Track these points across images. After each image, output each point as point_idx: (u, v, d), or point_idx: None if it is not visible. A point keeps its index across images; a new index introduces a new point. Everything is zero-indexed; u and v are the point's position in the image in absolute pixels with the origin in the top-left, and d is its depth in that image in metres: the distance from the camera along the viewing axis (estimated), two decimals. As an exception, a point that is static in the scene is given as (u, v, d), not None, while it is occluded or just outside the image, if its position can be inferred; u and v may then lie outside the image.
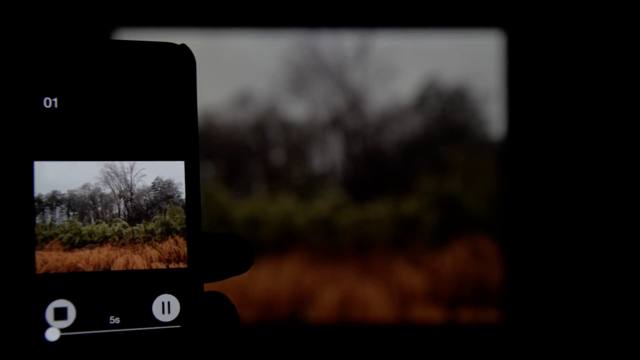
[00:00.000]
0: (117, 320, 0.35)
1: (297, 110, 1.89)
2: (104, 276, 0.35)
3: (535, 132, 1.70)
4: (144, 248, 0.35)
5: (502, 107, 1.75)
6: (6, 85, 0.34)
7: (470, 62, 1.82)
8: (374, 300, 1.81)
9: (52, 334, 0.34)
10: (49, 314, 0.34)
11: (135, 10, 1.72)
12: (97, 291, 0.35)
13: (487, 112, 1.85)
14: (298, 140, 1.93)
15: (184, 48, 0.38)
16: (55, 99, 0.35)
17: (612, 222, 1.67)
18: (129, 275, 0.35)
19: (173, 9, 1.73)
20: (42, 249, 0.34)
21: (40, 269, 0.34)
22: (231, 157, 1.91)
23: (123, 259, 0.35)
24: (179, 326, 0.36)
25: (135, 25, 1.74)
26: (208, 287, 0.38)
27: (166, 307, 0.36)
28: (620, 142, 1.68)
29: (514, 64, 1.73)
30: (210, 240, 0.37)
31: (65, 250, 0.34)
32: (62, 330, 0.34)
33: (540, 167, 1.70)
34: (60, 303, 0.34)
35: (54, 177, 0.34)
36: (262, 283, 1.82)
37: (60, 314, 0.34)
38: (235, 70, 1.83)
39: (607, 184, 1.67)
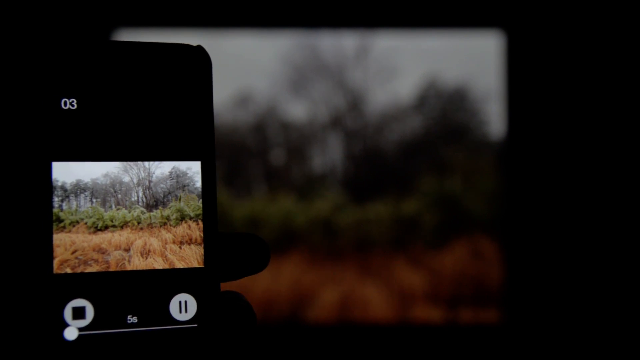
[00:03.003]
0: (134, 320, 0.35)
1: (297, 110, 1.89)
2: (122, 276, 0.35)
3: (535, 132, 1.71)
4: (160, 232, 0.37)
5: (502, 107, 1.75)
6: (24, 87, 0.34)
7: (470, 62, 1.82)
8: (374, 300, 1.81)
9: (71, 333, 0.34)
10: (68, 313, 0.34)
11: (135, 10, 1.72)
12: (114, 290, 0.35)
13: (487, 112, 1.86)
14: (298, 140, 1.93)
15: (200, 49, 0.38)
16: (73, 100, 0.35)
17: (612, 222, 1.67)
18: (147, 274, 0.36)
19: (173, 9, 1.73)
20: (69, 231, 0.35)
21: (68, 249, 0.34)
22: (231, 157, 1.91)
23: (141, 241, 0.37)
24: (196, 325, 0.36)
25: (136, 25, 1.74)
26: (221, 286, 0.38)
27: (183, 307, 0.36)
28: (621, 142, 1.68)
29: (514, 64, 1.73)
30: (227, 239, 0.38)
31: (90, 233, 0.36)
32: (80, 329, 0.34)
33: (540, 167, 1.70)
34: (78, 302, 0.34)
35: (78, 165, 0.35)
36: (262, 283, 1.82)
37: (79, 313, 0.34)
38: (235, 70, 1.83)
39: (608, 184, 1.68)
